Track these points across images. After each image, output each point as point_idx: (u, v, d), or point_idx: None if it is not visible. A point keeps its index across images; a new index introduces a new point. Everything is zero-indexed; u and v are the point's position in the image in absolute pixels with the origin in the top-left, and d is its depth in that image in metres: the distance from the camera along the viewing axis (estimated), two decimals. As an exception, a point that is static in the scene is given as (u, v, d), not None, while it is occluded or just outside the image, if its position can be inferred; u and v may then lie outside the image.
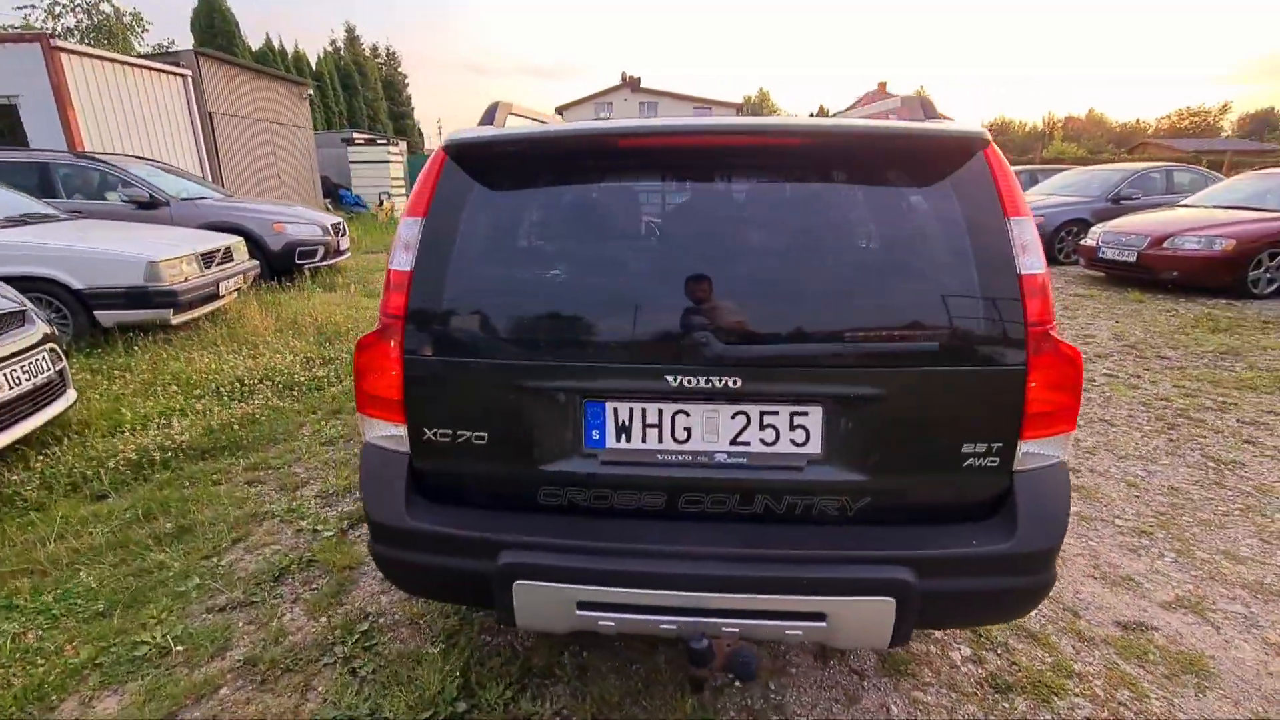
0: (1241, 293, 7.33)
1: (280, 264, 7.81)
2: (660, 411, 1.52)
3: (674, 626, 1.51)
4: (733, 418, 1.51)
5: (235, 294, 6.27)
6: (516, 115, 1.93)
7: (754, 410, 1.50)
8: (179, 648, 2.06)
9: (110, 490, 3.02)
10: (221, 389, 4.17)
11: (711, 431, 1.52)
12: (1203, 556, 2.58)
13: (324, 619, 2.21)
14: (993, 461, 1.49)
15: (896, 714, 1.84)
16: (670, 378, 1.47)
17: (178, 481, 3.12)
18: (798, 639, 1.53)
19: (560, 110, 47.78)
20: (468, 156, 1.53)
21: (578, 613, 1.51)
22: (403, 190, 19.13)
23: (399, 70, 43.40)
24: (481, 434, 1.56)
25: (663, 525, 1.57)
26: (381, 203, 17.83)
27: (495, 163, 1.57)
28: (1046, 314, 1.45)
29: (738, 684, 1.93)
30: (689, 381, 1.46)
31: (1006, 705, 1.87)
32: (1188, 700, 1.89)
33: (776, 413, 1.50)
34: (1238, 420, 3.91)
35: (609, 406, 1.53)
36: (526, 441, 1.56)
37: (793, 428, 1.50)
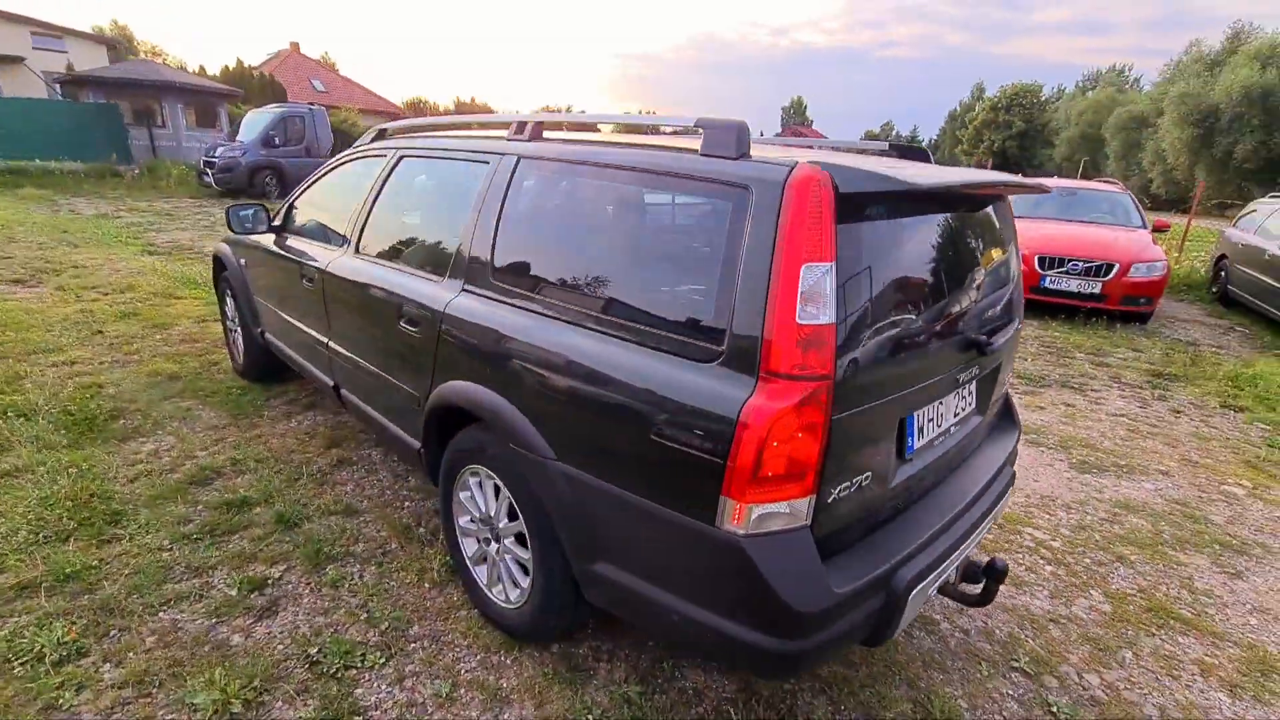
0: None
1: None
2: (935, 406, 1.87)
3: (955, 567, 1.93)
4: (953, 397, 1.99)
5: None
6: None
7: (965, 388, 2.02)
8: None
9: None
10: None
11: (948, 411, 1.97)
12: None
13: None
14: None
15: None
16: (959, 376, 1.86)
17: None
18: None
19: None
20: (862, 196, 1.49)
21: (930, 595, 1.77)
22: None
23: None
24: (867, 473, 1.60)
25: (937, 494, 1.94)
26: None
27: (884, 203, 1.62)
28: None
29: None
30: (966, 376, 1.90)
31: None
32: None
33: (966, 385, 2.06)
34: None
35: (916, 414, 1.79)
36: (886, 467, 1.67)
37: (968, 395, 2.09)
